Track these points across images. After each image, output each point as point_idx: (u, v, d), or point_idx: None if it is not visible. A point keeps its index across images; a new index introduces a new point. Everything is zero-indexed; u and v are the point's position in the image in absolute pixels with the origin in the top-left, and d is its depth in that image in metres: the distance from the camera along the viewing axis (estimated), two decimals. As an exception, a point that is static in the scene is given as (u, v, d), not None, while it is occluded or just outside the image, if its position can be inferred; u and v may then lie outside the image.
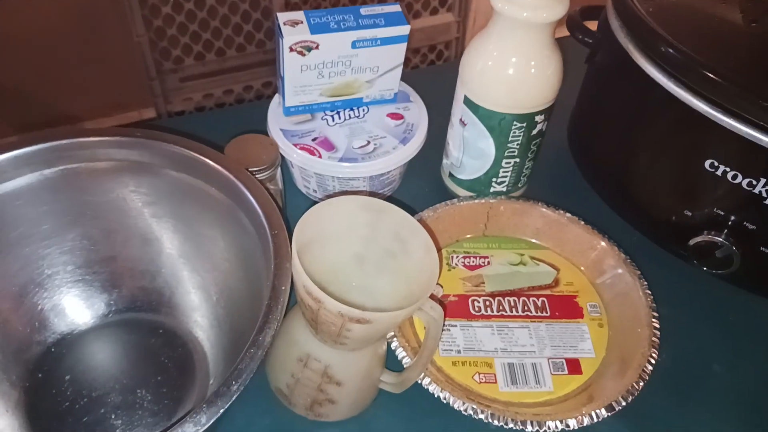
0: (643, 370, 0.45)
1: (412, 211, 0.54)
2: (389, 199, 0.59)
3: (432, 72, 0.79)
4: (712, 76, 0.45)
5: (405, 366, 0.45)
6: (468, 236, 0.55)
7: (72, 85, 0.67)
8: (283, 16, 0.52)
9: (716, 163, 0.46)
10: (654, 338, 0.47)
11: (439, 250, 0.54)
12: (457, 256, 0.54)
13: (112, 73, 0.68)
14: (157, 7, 0.65)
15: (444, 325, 0.45)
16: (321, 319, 0.36)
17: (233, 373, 0.33)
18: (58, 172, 0.45)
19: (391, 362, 0.45)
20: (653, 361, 0.45)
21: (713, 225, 0.49)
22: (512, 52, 0.48)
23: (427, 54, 0.91)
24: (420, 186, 0.60)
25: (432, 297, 0.37)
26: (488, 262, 0.54)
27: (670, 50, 0.47)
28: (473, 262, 0.54)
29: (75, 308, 0.49)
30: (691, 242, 0.50)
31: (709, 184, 0.47)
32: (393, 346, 0.45)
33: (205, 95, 0.74)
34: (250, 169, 0.47)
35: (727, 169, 0.46)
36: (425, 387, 0.44)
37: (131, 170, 0.46)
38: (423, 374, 0.44)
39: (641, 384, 0.44)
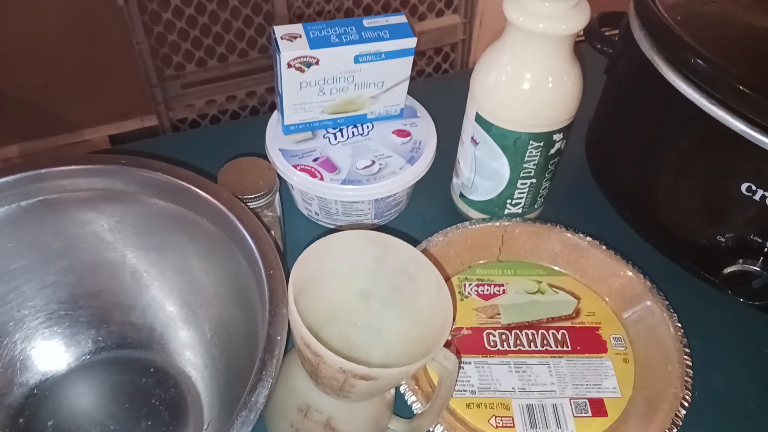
0: (676, 415, 0.41)
1: (420, 237, 0.51)
2: (395, 221, 0.55)
3: (439, 82, 0.75)
4: (748, 91, 0.41)
5: (415, 412, 0.41)
6: (481, 262, 0.52)
7: (73, 92, 0.65)
8: (280, 30, 0.48)
9: (754, 187, 0.42)
10: (687, 378, 0.43)
11: (448, 279, 0.50)
12: (470, 284, 0.50)
13: (113, 81, 0.65)
14: (157, 13, 0.62)
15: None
16: (321, 373, 0.33)
17: (223, 441, 0.30)
18: (37, 203, 0.42)
19: (400, 406, 0.42)
20: (686, 404, 0.42)
21: (749, 253, 0.45)
22: (528, 66, 0.45)
23: (433, 57, 0.87)
24: (428, 207, 0.57)
25: (444, 344, 0.34)
26: (503, 291, 0.50)
27: (701, 62, 0.43)
28: (487, 290, 0.50)
29: (59, 346, 0.45)
30: (725, 271, 0.46)
31: (746, 208, 0.43)
32: (402, 389, 0.42)
33: (208, 101, 0.71)
34: (245, 197, 0.44)
35: (767, 194, 0.42)
36: (437, 436, 0.40)
37: (116, 200, 0.43)
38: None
39: (674, 431, 0.40)
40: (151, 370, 0.46)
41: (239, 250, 0.40)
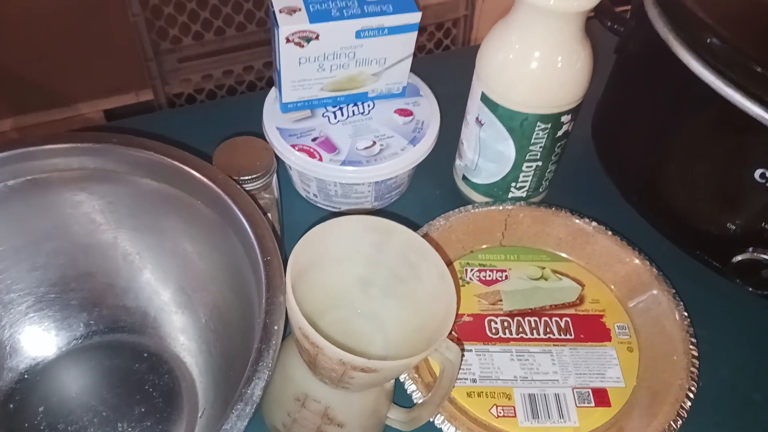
0: (681, 406, 0.40)
1: (421, 220, 0.49)
2: (395, 204, 0.54)
3: (440, 59, 0.73)
4: (767, 74, 0.39)
5: (415, 401, 0.40)
6: (483, 247, 0.50)
7: (68, 66, 0.64)
8: (278, 3, 0.46)
9: (768, 174, 0.41)
10: (692, 368, 0.42)
11: (450, 263, 0.49)
12: (472, 270, 0.49)
13: (108, 54, 0.64)
14: (152, -15, 0.60)
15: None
16: (320, 364, 0.31)
17: (217, 435, 0.28)
18: (26, 182, 0.40)
19: (400, 395, 0.41)
20: (692, 396, 0.41)
21: (760, 241, 0.44)
22: (537, 44, 0.43)
23: (434, 32, 0.85)
24: (430, 189, 0.55)
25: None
26: (506, 277, 0.49)
27: (718, 42, 0.41)
28: (489, 276, 0.49)
29: (50, 330, 0.44)
30: (734, 260, 0.44)
31: (759, 196, 0.42)
32: (402, 378, 0.41)
33: (204, 76, 0.69)
34: (242, 178, 0.42)
35: (782, 182, 0.40)
36: (438, 426, 0.39)
37: (107, 180, 0.41)
38: (435, 411, 0.39)
39: (679, 423, 0.39)
40: (145, 354, 0.44)
41: (235, 235, 0.38)
